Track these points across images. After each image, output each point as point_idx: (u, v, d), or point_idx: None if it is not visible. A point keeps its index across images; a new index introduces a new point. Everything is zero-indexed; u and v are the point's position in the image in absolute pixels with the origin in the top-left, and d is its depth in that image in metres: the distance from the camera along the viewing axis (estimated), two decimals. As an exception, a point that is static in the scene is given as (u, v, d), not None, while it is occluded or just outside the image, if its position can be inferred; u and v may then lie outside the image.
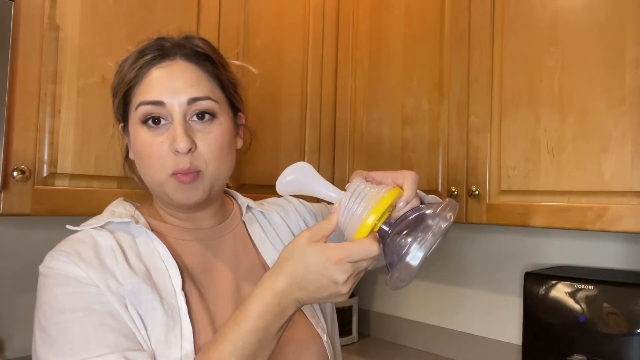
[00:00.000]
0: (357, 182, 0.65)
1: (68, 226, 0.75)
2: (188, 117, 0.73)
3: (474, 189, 1.32)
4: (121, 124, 0.79)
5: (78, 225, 0.75)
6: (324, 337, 0.80)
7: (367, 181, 0.66)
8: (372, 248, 0.60)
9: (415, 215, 0.63)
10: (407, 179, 0.67)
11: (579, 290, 1.23)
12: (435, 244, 0.62)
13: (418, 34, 1.49)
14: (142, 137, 0.73)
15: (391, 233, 0.62)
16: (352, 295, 1.88)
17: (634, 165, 1.08)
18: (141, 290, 0.68)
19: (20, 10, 1.01)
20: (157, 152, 0.71)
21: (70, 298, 0.65)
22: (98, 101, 1.12)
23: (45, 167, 1.06)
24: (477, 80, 1.34)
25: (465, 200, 1.35)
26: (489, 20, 1.32)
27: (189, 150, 0.71)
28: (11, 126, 1.00)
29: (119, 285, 0.67)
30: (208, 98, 0.74)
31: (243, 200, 0.90)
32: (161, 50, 0.74)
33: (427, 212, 0.62)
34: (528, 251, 1.57)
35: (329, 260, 0.60)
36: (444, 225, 0.60)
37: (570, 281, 1.25)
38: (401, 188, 0.66)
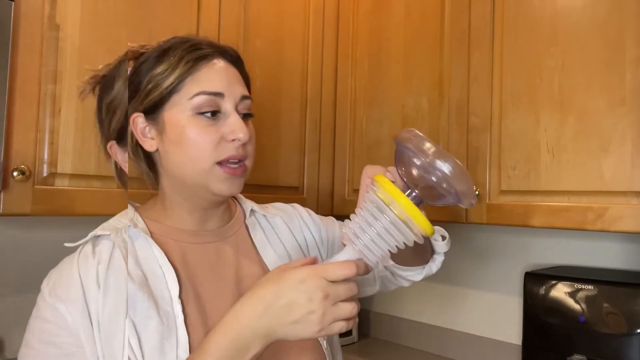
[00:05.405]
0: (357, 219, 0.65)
1: (66, 244, 0.75)
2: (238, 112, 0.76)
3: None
4: (134, 115, 0.75)
5: (77, 229, 0.75)
6: (324, 344, 0.79)
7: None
8: (350, 268, 0.59)
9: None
10: (377, 167, 0.71)
11: (579, 290, 1.23)
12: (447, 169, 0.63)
13: (418, 34, 1.49)
14: (196, 125, 0.72)
15: (415, 188, 0.64)
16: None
17: (633, 165, 1.07)
18: (137, 297, 0.68)
19: (20, 10, 1.01)
20: (211, 140, 0.72)
21: (38, 334, 0.68)
22: (98, 101, 1.11)
23: (45, 167, 1.06)
24: (477, 80, 1.34)
25: (465, 200, 1.35)
26: (489, 20, 1.32)
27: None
28: (11, 126, 1.00)
29: (104, 304, 0.68)
30: (250, 98, 0.79)
31: (247, 204, 0.89)
32: (213, 48, 0.77)
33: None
34: (528, 251, 1.57)
35: (306, 275, 0.59)
36: (435, 147, 0.62)
37: (570, 281, 1.25)
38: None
